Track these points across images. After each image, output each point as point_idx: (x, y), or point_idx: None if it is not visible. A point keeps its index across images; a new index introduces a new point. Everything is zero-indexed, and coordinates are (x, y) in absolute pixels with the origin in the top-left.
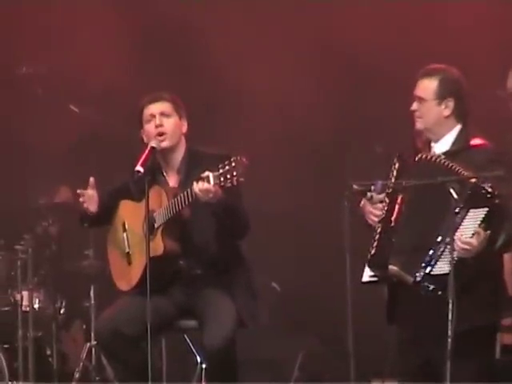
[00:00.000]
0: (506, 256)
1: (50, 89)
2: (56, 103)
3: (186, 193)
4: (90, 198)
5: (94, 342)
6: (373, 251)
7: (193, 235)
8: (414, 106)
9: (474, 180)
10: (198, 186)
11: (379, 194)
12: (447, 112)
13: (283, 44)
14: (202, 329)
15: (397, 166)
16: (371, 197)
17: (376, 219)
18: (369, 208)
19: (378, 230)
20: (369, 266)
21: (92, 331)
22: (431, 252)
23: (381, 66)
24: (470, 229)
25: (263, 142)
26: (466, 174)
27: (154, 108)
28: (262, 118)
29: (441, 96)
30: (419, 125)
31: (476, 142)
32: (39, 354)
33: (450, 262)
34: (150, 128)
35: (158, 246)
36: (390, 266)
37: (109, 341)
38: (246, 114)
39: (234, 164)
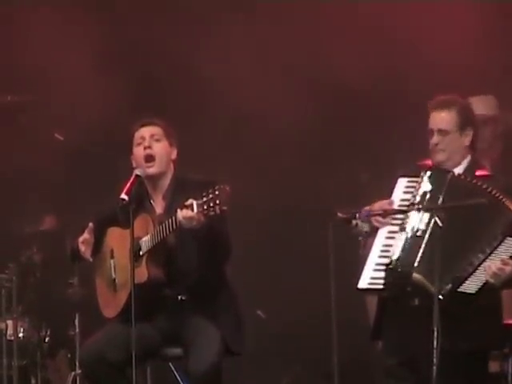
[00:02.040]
0: None
1: (35, 117)
2: (41, 132)
3: (170, 220)
4: (88, 243)
5: (78, 371)
6: (395, 256)
7: (177, 261)
8: (436, 139)
9: None
10: (181, 214)
11: (364, 221)
12: (468, 142)
13: (270, 65)
14: (188, 355)
15: (425, 179)
16: (356, 224)
17: (383, 220)
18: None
19: (404, 237)
20: (386, 270)
21: (77, 360)
22: (462, 269)
23: (368, 93)
24: (501, 256)
25: (248, 168)
26: (505, 200)
27: (145, 131)
28: (247, 142)
29: (462, 127)
30: (441, 157)
31: (482, 172)
32: (24, 383)
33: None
34: (139, 151)
35: (143, 273)
36: (415, 274)
37: (93, 368)
38: (231, 136)
39: (217, 192)
